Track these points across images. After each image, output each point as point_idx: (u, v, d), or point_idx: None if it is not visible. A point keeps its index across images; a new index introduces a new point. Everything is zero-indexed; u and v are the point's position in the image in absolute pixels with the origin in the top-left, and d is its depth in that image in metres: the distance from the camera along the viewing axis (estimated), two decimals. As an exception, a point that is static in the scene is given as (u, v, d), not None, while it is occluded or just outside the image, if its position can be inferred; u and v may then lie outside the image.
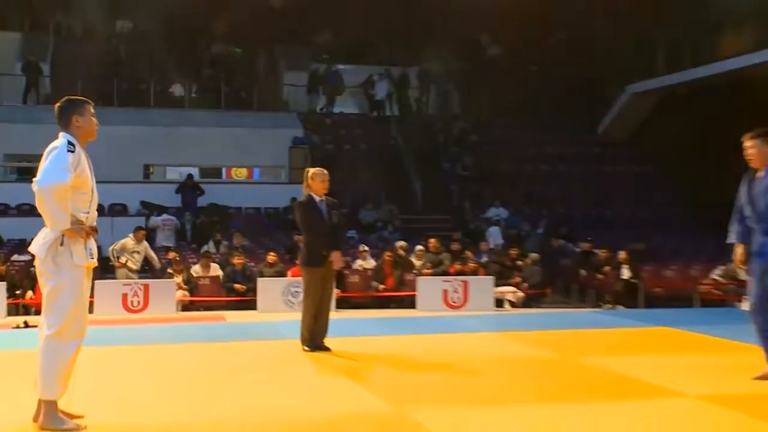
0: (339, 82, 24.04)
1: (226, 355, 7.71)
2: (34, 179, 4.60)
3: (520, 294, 14.62)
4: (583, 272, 16.13)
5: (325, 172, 7.95)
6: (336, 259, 7.78)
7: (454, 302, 13.63)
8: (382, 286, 14.48)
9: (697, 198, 21.09)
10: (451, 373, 6.73)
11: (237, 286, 13.97)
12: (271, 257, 14.50)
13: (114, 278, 13.88)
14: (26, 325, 10.73)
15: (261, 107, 23.06)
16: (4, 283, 12.94)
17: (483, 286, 13.95)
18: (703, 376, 6.41)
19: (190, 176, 19.95)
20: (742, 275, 13.08)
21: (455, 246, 16.09)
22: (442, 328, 9.87)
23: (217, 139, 20.96)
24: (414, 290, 13.91)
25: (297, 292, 12.50)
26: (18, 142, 19.56)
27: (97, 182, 4.92)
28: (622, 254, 15.19)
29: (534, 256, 15.96)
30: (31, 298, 12.99)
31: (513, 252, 16.14)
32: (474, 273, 14.64)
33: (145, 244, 14.72)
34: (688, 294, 14.56)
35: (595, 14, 22.27)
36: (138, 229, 14.77)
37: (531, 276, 15.33)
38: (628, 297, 14.49)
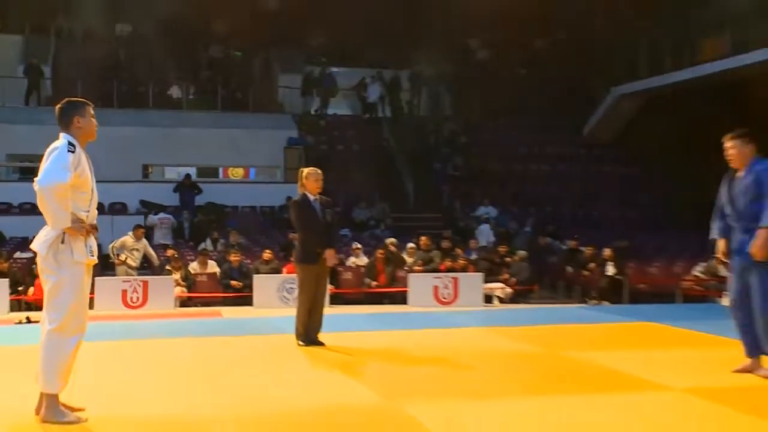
0: (332, 84, 24.04)
1: (223, 349, 7.70)
2: (35, 179, 4.59)
3: (509, 290, 14.64)
4: (569, 269, 16.16)
5: (319, 171, 7.94)
6: (330, 256, 7.78)
7: (445, 298, 13.65)
8: (374, 283, 14.49)
9: (679, 197, 21.16)
10: (441, 367, 6.74)
11: (233, 282, 13.97)
12: (267, 254, 14.50)
13: (114, 275, 13.86)
14: (28, 320, 10.72)
15: (257, 109, 23.03)
16: (7, 279, 12.91)
17: (472, 282, 13.98)
18: (685, 370, 6.42)
19: (188, 176, 19.93)
20: (723, 272, 13.14)
21: (446, 244, 16.09)
22: (432, 323, 9.89)
23: (214, 140, 20.94)
24: (405, 287, 13.93)
25: (292, 288, 12.51)
26: (20, 143, 19.49)
27: (97, 181, 4.91)
28: (607, 252, 15.23)
29: (522, 253, 15.98)
30: (26, 294, 12.97)
31: (502, 249, 16.18)
32: (464, 270, 14.65)
33: (144, 241, 14.72)
34: (671, 290, 14.62)
35: (581, 19, 22.27)
36: (137, 227, 14.75)
37: (519, 272, 15.36)
38: (613, 293, 14.53)
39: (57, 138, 4.77)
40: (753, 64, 18.80)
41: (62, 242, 4.65)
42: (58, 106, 4.88)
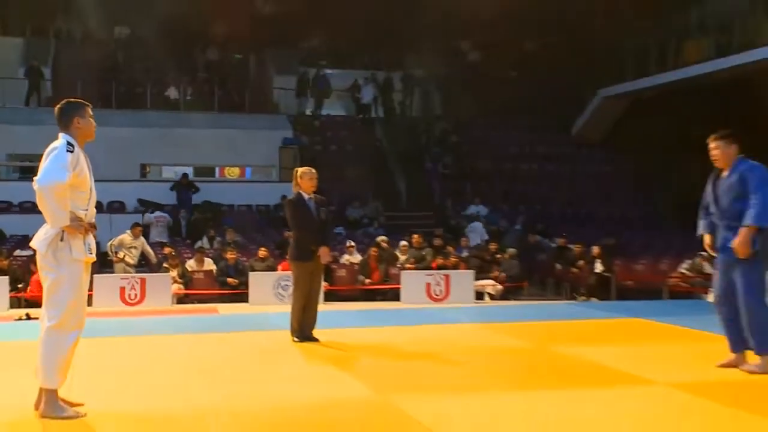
0: (326, 86, 24.06)
1: (219, 345, 7.69)
2: (35, 178, 4.58)
3: (499, 287, 14.64)
4: (558, 266, 16.17)
5: (314, 171, 7.93)
6: (324, 253, 7.77)
7: (437, 295, 13.64)
8: (368, 280, 14.47)
9: (665, 196, 21.23)
10: (433, 362, 6.73)
11: (230, 279, 13.94)
12: (262, 252, 14.48)
13: (112, 272, 13.82)
14: (28, 317, 10.68)
15: (252, 109, 23.04)
16: (7, 277, 12.87)
17: (464, 279, 13.97)
18: (671, 365, 6.44)
19: (185, 175, 19.89)
20: (708, 269, 13.19)
21: (437, 241, 16.09)
22: (425, 319, 9.88)
23: (210, 140, 20.91)
24: (398, 284, 13.91)
25: (287, 285, 12.49)
26: (20, 143, 19.47)
27: (95, 181, 4.90)
28: (595, 249, 15.25)
29: (512, 251, 15.98)
30: (25, 291, 12.94)
31: (492, 247, 16.17)
32: (455, 267, 14.64)
33: (142, 239, 14.68)
34: (658, 287, 14.64)
35: (570, 22, 22.29)
36: (135, 225, 14.71)
37: (509, 270, 15.36)
38: (601, 290, 14.55)
39: (56, 138, 4.75)
40: (735, 66, 18.88)
41: (61, 240, 4.63)
42: (58, 106, 4.86)
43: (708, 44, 20.39)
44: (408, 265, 14.80)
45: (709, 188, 6.23)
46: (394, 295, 13.88)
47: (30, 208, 16.30)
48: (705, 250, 6.49)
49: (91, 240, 4.81)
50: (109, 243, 14.23)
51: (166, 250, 14.77)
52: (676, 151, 19.57)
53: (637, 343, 7.72)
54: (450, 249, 15.80)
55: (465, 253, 15.85)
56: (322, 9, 22.36)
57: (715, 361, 6.23)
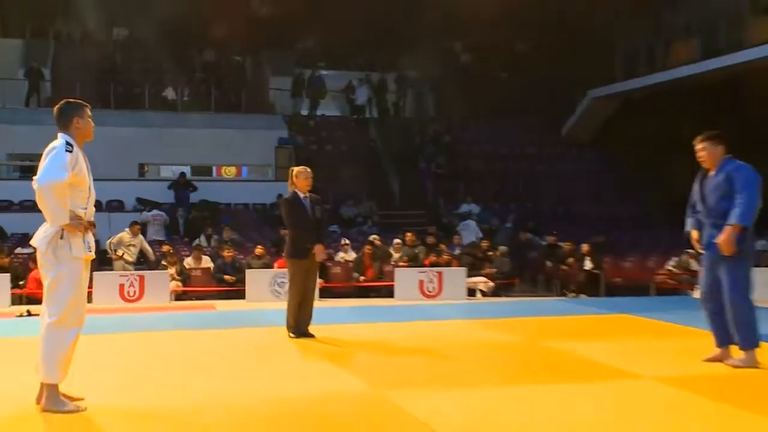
0: (321, 87, 24.05)
1: (217, 341, 7.68)
2: (34, 177, 4.58)
3: (491, 284, 14.66)
4: (548, 263, 16.19)
5: (309, 170, 7.93)
6: (319, 251, 7.77)
7: (430, 292, 13.65)
8: (362, 277, 14.48)
9: (653, 195, 21.28)
10: (426, 357, 6.75)
11: (227, 277, 13.93)
12: (259, 250, 14.47)
13: (111, 270, 13.79)
14: (29, 313, 10.65)
15: (249, 110, 23.02)
16: (8, 274, 12.84)
17: (456, 276, 13.98)
18: (658, 359, 6.46)
19: (182, 174, 19.86)
20: (694, 266, 13.23)
21: (430, 239, 16.10)
22: (418, 315, 9.90)
23: (207, 140, 20.90)
24: (392, 281, 13.92)
25: (283, 282, 12.48)
26: (20, 143, 19.41)
27: (94, 180, 4.89)
28: (584, 247, 15.27)
29: (503, 248, 16.00)
30: (23, 288, 12.92)
31: (484, 244, 16.19)
32: (448, 264, 14.66)
33: (141, 237, 14.66)
34: (645, 283, 14.68)
35: (559, 24, 22.33)
36: (134, 223, 14.69)
37: (500, 267, 15.38)
38: (590, 286, 14.58)
39: (55, 138, 4.75)
40: (722, 67, 18.94)
41: (61, 238, 4.63)
42: (57, 107, 4.85)
43: (695, 47, 20.45)
44: (401, 264, 14.81)
45: (696, 187, 6.25)
46: (388, 292, 13.88)
47: (30, 206, 16.22)
48: (691, 248, 6.52)
49: (90, 238, 4.80)
50: (108, 241, 14.21)
51: (165, 248, 14.75)
52: (664, 151, 19.63)
53: (626, 339, 7.74)
54: (442, 247, 15.82)
55: (457, 251, 15.86)
56: (317, 11, 22.36)
57: (700, 355, 6.25)
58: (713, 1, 20.26)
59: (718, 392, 5.23)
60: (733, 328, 5.99)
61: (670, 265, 14.91)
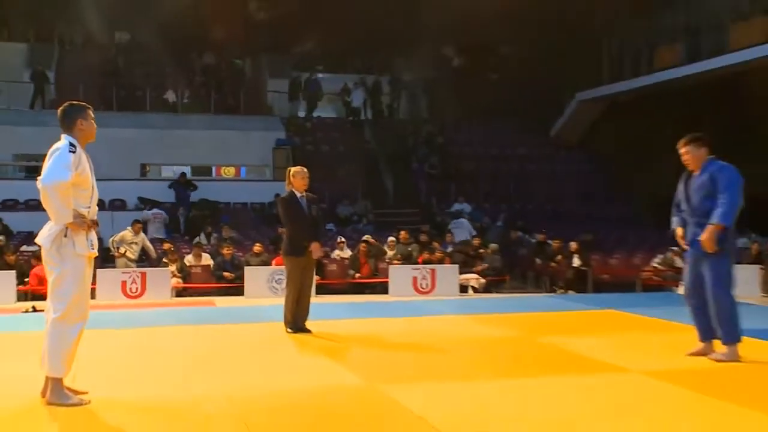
0: (318, 89, 24.03)
1: (217, 336, 7.68)
2: (39, 177, 4.56)
3: (482, 280, 14.66)
4: (538, 261, 16.20)
5: (306, 170, 7.93)
6: (315, 249, 7.77)
7: (423, 288, 13.64)
8: (357, 274, 14.46)
9: (638, 195, 21.31)
10: (420, 351, 6.75)
11: (226, 274, 13.90)
12: (257, 248, 14.45)
13: (114, 267, 13.77)
14: (34, 309, 10.61)
15: (247, 112, 22.99)
16: (14, 271, 12.81)
17: (449, 273, 13.97)
18: (645, 353, 6.48)
19: (183, 174, 19.83)
20: (679, 263, 13.25)
21: (423, 237, 16.09)
22: (412, 311, 9.90)
23: (207, 141, 20.88)
24: (386, 277, 13.90)
25: (280, 279, 12.46)
26: (25, 144, 19.38)
27: (97, 180, 4.88)
28: (572, 245, 15.27)
29: (494, 246, 16.00)
30: (26, 284, 12.88)
31: (475, 242, 16.20)
32: (440, 262, 14.65)
33: (143, 235, 14.65)
34: (632, 280, 14.68)
35: (548, 28, 22.36)
36: (135, 222, 14.68)
37: (491, 264, 15.38)
38: (579, 283, 14.58)
39: (59, 139, 4.73)
40: (705, 71, 18.98)
41: (65, 236, 4.62)
42: (61, 109, 4.84)
43: (680, 50, 20.50)
44: (395, 262, 14.80)
45: (681, 187, 6.26)
46: (383, 289, 13.86)
47: (35, 205, 16.11)
48: (676, 245, 6.54)
49: (93, 236, 4.80)
50: (111, 239, 14.18)
51: (166, 245, 14.72)
52: (650, 152, 19.67)
53: (613, 334, 7.76)
54: (435, 244, 15.82)
55: (450, 249, 15.86)
56: (314, 15, 22.37)
57: (685, 350, 6.27)
58: (696, 8, 20.32)
59: (701, 385, 5.25)
60: (715, 323, 6.01)
61: (656, 262, 14.93)
